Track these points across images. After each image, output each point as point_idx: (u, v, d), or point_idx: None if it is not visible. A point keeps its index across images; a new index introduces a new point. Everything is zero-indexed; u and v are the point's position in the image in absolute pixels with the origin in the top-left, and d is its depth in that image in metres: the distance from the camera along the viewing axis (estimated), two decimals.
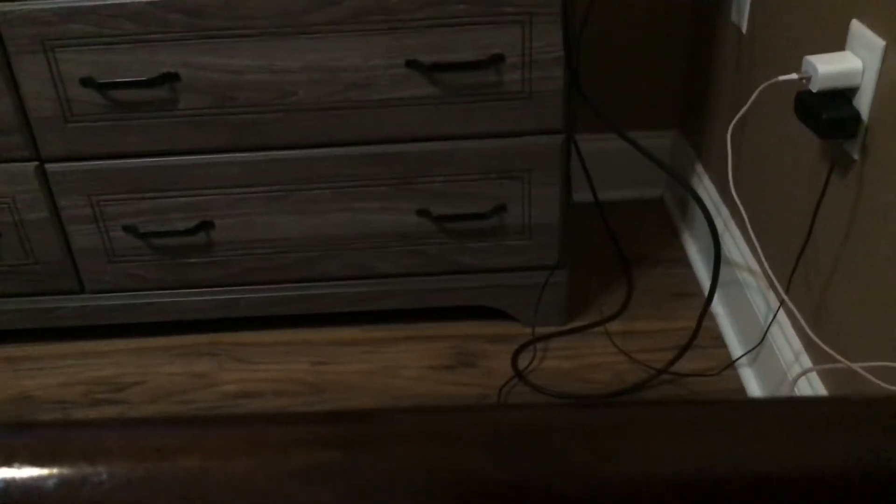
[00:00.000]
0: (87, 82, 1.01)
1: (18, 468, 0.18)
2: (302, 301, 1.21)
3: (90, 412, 1.14)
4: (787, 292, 0.99)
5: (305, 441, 0.18)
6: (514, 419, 0.20)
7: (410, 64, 1.01)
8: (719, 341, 1.19)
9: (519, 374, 1.15)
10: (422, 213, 1.12)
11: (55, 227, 1.13)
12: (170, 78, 1.01)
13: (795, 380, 0.96)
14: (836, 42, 0.84)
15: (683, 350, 1.11)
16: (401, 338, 1.23)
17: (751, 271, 1.12)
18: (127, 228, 1.13)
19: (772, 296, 1.04)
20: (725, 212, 1.24)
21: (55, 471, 0.17)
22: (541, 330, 1.22)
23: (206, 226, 1.13)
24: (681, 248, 1.40)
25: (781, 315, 1.02)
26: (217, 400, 1.14)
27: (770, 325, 1.03)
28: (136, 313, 1.22)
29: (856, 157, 0.82)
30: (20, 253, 1.15)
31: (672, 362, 1.12)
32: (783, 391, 1.00)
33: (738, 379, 1.12)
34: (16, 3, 0.97)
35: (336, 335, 1.24)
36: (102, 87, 1.02)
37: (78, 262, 1.17)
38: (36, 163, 1.08)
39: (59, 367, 1.21)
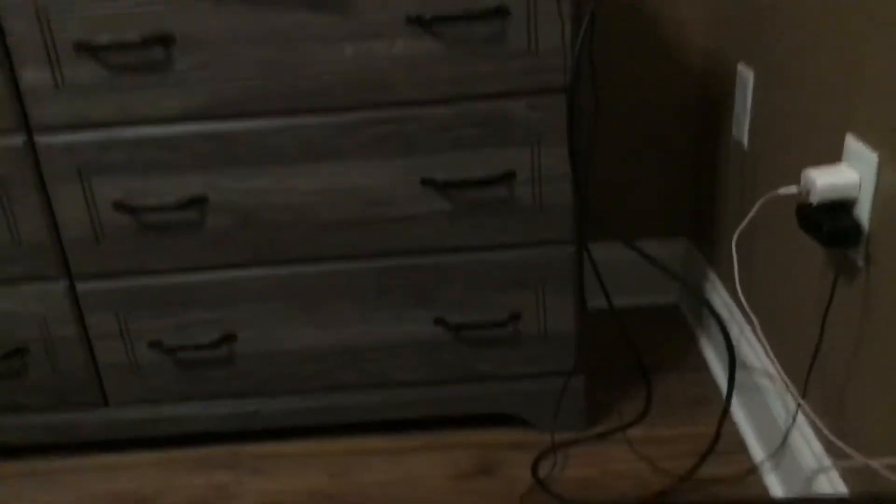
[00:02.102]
0: (119, 206, 1.06)
1: None
2: (321, 412, 1.22)
3: None
4: (804, 396, 0.99)
5: None
6: None
7: (426, 182, 1.05)
8: (740, 446, 1.18)
9: (540, 483, 1.14)
10: (439, 322, 1.14)
11: (82, 344, 1.16)
12: (197, 200, 1.06)
13: (814, 478, 0.95)
14: (834, 153, 0.87)
15: (704, 456, 1.10)
16: (420, 447, 1.23)
17: (768, 375, 1.13)
18: (153, 344, 1.16)
19: (789, 398, 1.04)
20: (740, 317, 1.25)
21: None
22: (560, 436, 1.22)
23: (228, 339, 1.16)
24: (698, 354, 1.40)
25: (800, 417, 1.02)
26: None
27: (790, 429, 1.03)
28: (157, 426, 1.23)
29: (860, 263, 0.83)
30: (47, 368, 1.18)
31: (694, 469, 1.11)
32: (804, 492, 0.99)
33: (760, 483, 1.11)
34: (58, 135, 1.04)
35: (355, 444, 1.24)
36: (133, 211, 1.07)
37: (103, 377, 1.19)
38: (67, 282, 1.12)
39: (80, 481, 1.22)
